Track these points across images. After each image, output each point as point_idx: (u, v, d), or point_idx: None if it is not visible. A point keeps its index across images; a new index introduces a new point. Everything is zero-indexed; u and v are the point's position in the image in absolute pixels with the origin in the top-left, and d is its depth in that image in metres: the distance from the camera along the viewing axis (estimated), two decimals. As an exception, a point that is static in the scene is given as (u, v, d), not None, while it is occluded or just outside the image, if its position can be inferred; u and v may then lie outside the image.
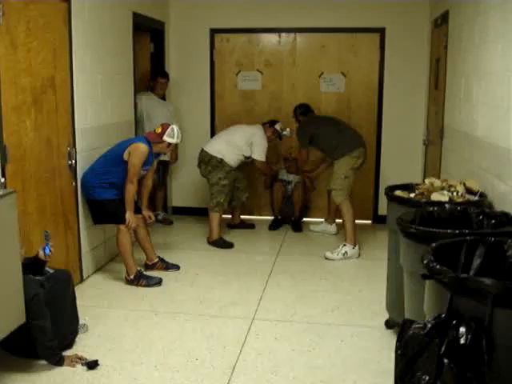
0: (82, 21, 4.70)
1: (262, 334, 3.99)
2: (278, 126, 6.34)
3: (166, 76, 6.59)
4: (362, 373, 3.45)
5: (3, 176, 3.54)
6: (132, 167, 4.69)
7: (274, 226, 6.77)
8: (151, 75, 6.66)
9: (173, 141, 4.86)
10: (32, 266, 3.55)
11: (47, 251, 3.58)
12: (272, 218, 6.88)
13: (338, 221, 6.40)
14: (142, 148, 4.72)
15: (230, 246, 6.05)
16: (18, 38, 3.87)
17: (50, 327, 3.39)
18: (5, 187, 3.25)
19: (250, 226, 6.82)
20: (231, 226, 6.68)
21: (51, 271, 3.67)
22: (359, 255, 5.75)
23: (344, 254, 5.65)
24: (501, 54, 3.75)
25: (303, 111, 6.31)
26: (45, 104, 4.22)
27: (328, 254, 5.66)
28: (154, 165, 5.09)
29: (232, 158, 6.04)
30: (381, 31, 6.70)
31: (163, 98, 6.63)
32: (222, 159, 5.99)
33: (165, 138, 4.82)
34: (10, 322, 3.19)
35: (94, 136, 4.98)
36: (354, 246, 5.75)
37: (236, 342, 3.84)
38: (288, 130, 6.41)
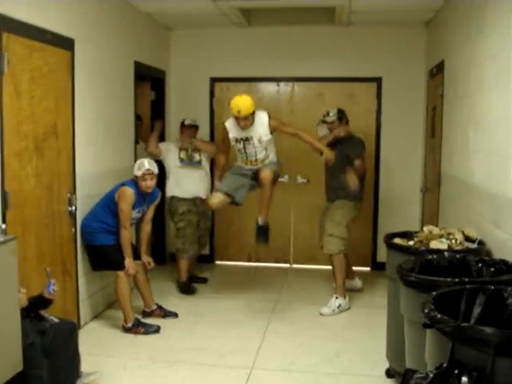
0: (85, 69, 4.79)
1: (261, 384, 3.95)
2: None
3: (139, 118, 6.51)
4: (363, 423, 3.41)
5: (4, 222, 3.54)
6: (121, 213, 4.73)
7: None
8: (152, 121, 6.67)
9: (137, 172, 4.81)
10: (37, 305, 3.53)
11: (51, 289, 3.56)
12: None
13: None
14: (126, 192, 4.75)
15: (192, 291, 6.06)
16: (22, 86, 3.94)
17: (46, 377, 3.34)
18: (5, 234, 3.25)
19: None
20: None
21: (56, 320, 3.62)
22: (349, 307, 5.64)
23: (339, 307, 5.48)
24: (496, 104, 3.82)
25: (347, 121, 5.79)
26: (46, 151, 4.26)
27: (324, 311, 5.45)
28: (150, 208, 5.09)
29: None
30: (378, 80, 6.82)
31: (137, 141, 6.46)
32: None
33: (134, 173, 4.86)
34: (8, 369, 3.14)
35: (94, 182, 5.02)
36: (345, 297, 5.59)
37: (235, 392, 3.80)
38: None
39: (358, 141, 5.74)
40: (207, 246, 6.74)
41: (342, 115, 5.71)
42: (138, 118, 6.44)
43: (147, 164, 4.85)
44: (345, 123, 5.72)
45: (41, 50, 4.15)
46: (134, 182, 4.84)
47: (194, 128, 6.25)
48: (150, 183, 4.85)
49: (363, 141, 5.80)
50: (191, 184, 6.11)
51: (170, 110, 7.06)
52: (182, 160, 6.08)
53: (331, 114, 5.66)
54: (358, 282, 6.22)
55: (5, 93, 3.71)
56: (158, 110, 6.88)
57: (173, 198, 6.09)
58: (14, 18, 3.76)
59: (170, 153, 6.11)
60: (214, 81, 7.09)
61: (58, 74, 4.41)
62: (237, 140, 5.21)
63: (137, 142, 6.36)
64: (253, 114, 5.09)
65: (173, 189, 6.11)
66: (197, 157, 6.17)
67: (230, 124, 5.26)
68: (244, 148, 5.21)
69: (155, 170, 4.90)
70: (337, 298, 5.53)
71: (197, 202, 6.11)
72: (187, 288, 6.07)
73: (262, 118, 5.19)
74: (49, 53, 4.27)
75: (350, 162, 5.50)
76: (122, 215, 4.73)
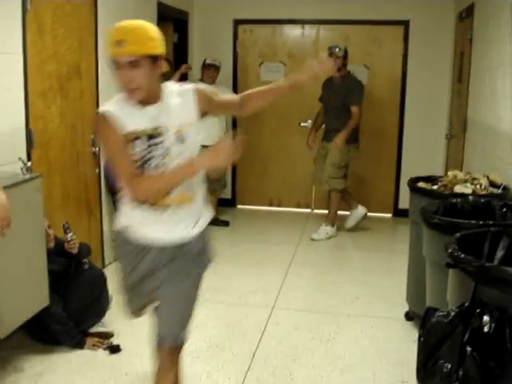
0: (108, 9, 4.72)
1: (282, 323, 4.01)
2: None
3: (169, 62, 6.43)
4: (381, 362, 3.46)
5: (29, 161, 3.57)
6: None
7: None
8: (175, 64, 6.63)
9: None
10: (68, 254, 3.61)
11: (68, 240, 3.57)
12: None
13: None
14: None
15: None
16: (45, 25, 3.91)
17: (61, 312, 3.44)
18: (31, 171, 3.29)
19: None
20: None
21: (86, 267, 3.72)
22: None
23: (327, 234, 6.04)
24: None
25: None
26: (70, 91, 4.26)
27: (314, 236, 6.02)
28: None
29: None
30: (405, 24, 6.67)
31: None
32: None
33: None
34: (35, 303, 3.24)
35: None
36: (333, 225, 6.13)
37: (256, 330, 3.87)
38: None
39: (358, 84, 5.99)
40: (228, 189, 6.72)
41: (346, 54, 5.90)
42: (167, 61, 6.41)
43: None
44: (345, 63, 5.92)
45: (64, -13, 4.11)
46: None
47: (214, 68, 6.19)
48: None
49: (362, 84, 6.04)
50: (204, 132, 6.03)
51: (193, 53, 6.99)
52: None
53: (341, 48, 5.82)
54: (361, 209, 6.35)
55: (28, 31, 3.69)
56: (180, 52, 6.81)
57: None
58: (37, -46, 3.71)
59: None
60: (237, 23, 6.98)
61: (81, 14, 4.37)
62: (136, 138, 2.26)
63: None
64: (153, 60, 2.25)
65: None
66: None
67: (116, 108, 2.26)
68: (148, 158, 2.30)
69: None
70: (326, 225, 6.10)
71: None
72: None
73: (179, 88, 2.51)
74: (72, -9, 4.23)
75: (347, 106, 5.85)
76: None
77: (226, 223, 6.50)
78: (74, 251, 3.60)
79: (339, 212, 6.22)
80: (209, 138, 5.80)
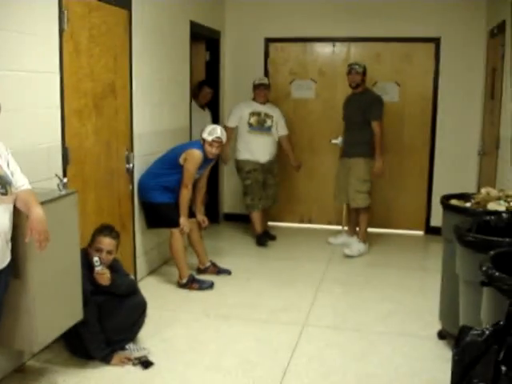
0: (142, 28, 4.82)
1: (314, 340, 4.00)
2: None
3: (211, 86, 6.65)
4: (414, 381, 3.43)
5: (65, 176, 3.65)
6: (187, 173, 4.79)
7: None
8: (199, 83, 6.73)
9: (207, 137, 4.83)
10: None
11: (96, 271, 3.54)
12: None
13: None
14: (196, 155, 4.80)
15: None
16: (82, 44, 4.00)
17: (94, 321, 3.48)
18: (66, 188, 3.36)
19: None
20: None
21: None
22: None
23: (359, 251, 6.03)
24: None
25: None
26: (105, 108, 4.34)
27: (347, 252, 6.00)
28: (206, 169, 5.16)
29: None
30: (436, 41, 6.65)
31: (202, 107, 6.61)
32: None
33: (203, 135, 4.90)
34: (69, 318, 3.28)
35: (150, 141, 5.09)
36: (365, 242, 6.14)
37: (287, 347, 3.86)
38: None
39: (377, 99, 6.08)
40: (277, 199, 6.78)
41: (365, 70, 6.06)
42: (210, 85, 6.63)
43: (219, 132, 4.89)
44: (364, 79, 6.09)
45: (99, 8, 4.19)
46: (201, 145, 4.88)
47: (263, 86, 6.36)
48: (215, 151, 4.91)
49: (382, 99, 6.10)
50: (258, 149, 6.30)
51: (225, 71, 7.06)
52: (250, 125, 6.26)
53: (360, 65, 6.03)
54: (364, 246, 6.16)
55: (65, 51, 3.78)
56: (212, 70, 6.89)
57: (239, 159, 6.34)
58: (74, -24, 3.81)
59: (242, 119, 6.29)
60: (268, 41, 7.04)
61: (115, 33, 4.46)
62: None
63: (202, 107, 6.57)
64: None
65: (241, 152, 6.34)
66: (268, 122, 6.33)
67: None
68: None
69: (224, 139, 4.96)
70: (359, 242, 6.10)
71: (262, 163, 6.34)
72: (261, 239, 6.34)
73: None
74: (107, 11, 4.31)
75: (367, 121, 5.94)
76: (186, 175, 4.80)
77: (273, 237, 6.59)
78: (104, 283, 3.54)
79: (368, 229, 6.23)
80: (265, 156, 6.31)
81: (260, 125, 6.30)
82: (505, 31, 5.32)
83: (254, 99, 6.40)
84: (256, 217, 6.36)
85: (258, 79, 6.42)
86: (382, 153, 5.97)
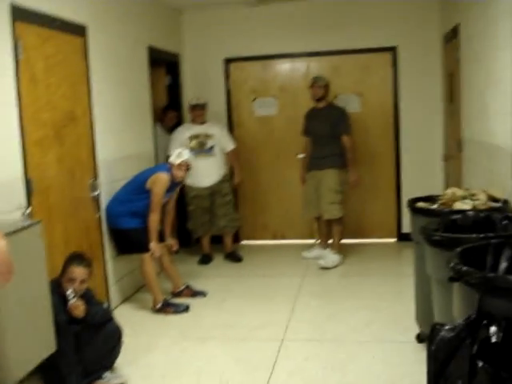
0: (99, 55, 4.80)
1: (293, 355, 3.97)
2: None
3: (175, 109, 6.67)
4: (396, 387, 3.42)
5: (29, 207, 3.59)
6: (155, 197, 4.76)
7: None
8: (164, 107, 6.72)
9: (174, 160, 4.86)
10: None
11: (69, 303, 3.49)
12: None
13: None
14: (163, 178, 4.78)
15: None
16: (38, 74, 3.97)
17: (73, 354, 3.41)
18: (31, 218, 3.31)
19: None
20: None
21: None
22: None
23: (333, 263, 6.02)
24: (510, 62, 3.76)
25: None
26: (66, 137, 4.30)
27: (321, 262, 6.01)
28: (175, 192, 5.14)
29: None
30: (393, 50, 6.75)
31: (169, 130, 6.56)
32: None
33: (170, 159, 4.92)
34: (42, 350, 3.21)
35: (115, 167, 5.06)
36: (339, 253, 6.14)
37: (267, 364, 3.82)
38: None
39: (344, 112, 6.18)
40: (237, 219, 6.68)
41: (328, 84, 6.19)
42: (175, 108, 6.68)
43: (186, 155, 4.91)
44: (327, 93, 6.21)
45: (53, 37, 4.17)
46: (168, 168, 4.86)
47: (199, 107, 6.27)
48: (183, 174, 4.94)
49: (347, 112, 6.22)
50: (202, 173, 6.13)
51: (186, 94, 7.06)
52: (191, 149, 5.88)
53: (323, 79, 6.16)
54: (329, 257, 6.12)
55: (22, 81, 3.75)
56: (174, 94, 6.90)
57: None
58: (26, 7, 3.78)
59: (183, 144, 5.98)
60: (228, 61, 7.07)
61: (72, 61, 4.44)
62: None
63: (169, 131, 6.52)
64: None
65: None
66: (209, 143, 6.22)
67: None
68: None
69: (190, 162, 4.98)
70: (334, 253, 6.10)
71: (208, 186, 6.26)
72: (204, 259, 6.42)
73: None
74: (61, 40, 4.29)
75: (336, 134, 6.03)
76: (154, 199, 4.76)
77: (239, 259, 6.50)
78: (79, 315, 3.47)
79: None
80: (209, 181, 5.96)
81: (201, 147, 6.16)
82: (458, 35, 5.42)
83: (193, 121, 6.32)
84: (202, 240, 6.47)
85: (194, 99, 6.31)
86: (355, 164, 6.04)
